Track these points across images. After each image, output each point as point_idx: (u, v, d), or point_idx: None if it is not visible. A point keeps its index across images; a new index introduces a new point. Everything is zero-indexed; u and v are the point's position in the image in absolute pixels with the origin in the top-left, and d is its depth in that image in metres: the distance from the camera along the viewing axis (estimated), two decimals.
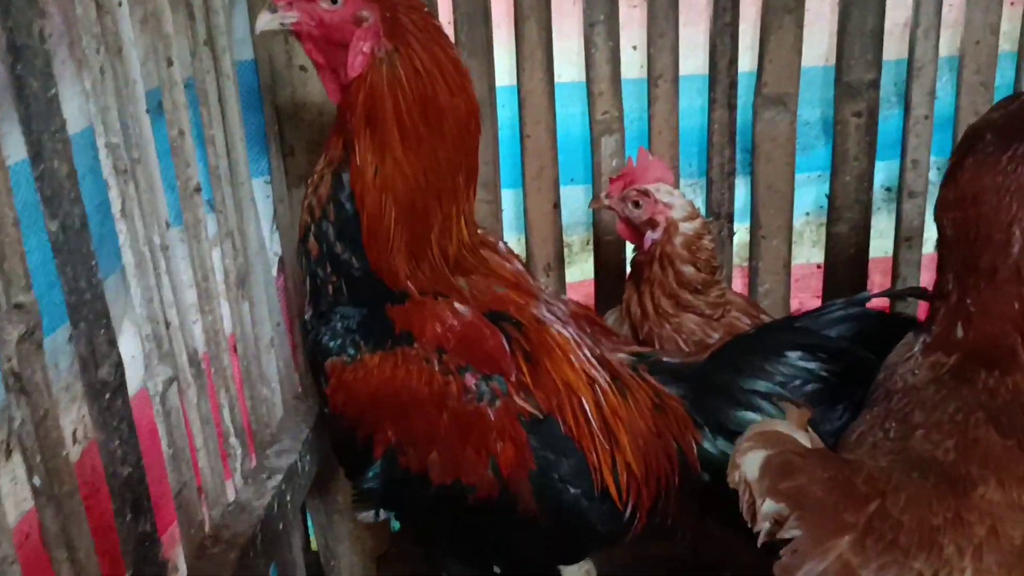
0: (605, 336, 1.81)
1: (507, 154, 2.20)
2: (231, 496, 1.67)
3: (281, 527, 1.72)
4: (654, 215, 1.86)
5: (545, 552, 1.71)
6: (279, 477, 1.74)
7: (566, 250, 2.31)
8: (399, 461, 1.57)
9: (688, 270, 1.87)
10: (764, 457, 1.16)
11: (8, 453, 1.25)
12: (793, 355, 1.60)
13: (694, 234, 1.85)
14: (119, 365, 1.27)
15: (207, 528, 1.56)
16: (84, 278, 1.20)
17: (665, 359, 1.76)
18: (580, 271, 2.34)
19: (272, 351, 1.91)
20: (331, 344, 1.55)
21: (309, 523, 2.32)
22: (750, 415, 1.61)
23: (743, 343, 1.69)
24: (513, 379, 1.61)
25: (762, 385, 1.60)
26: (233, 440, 1.68)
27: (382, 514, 1.65)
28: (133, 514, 1.31)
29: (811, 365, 1.61)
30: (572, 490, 1.63)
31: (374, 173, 1.53)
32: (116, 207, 1.32)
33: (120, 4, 1.32)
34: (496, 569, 1.72)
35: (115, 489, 1.27)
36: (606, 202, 1.92)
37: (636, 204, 1.86)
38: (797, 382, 1.61)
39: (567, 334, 1.69)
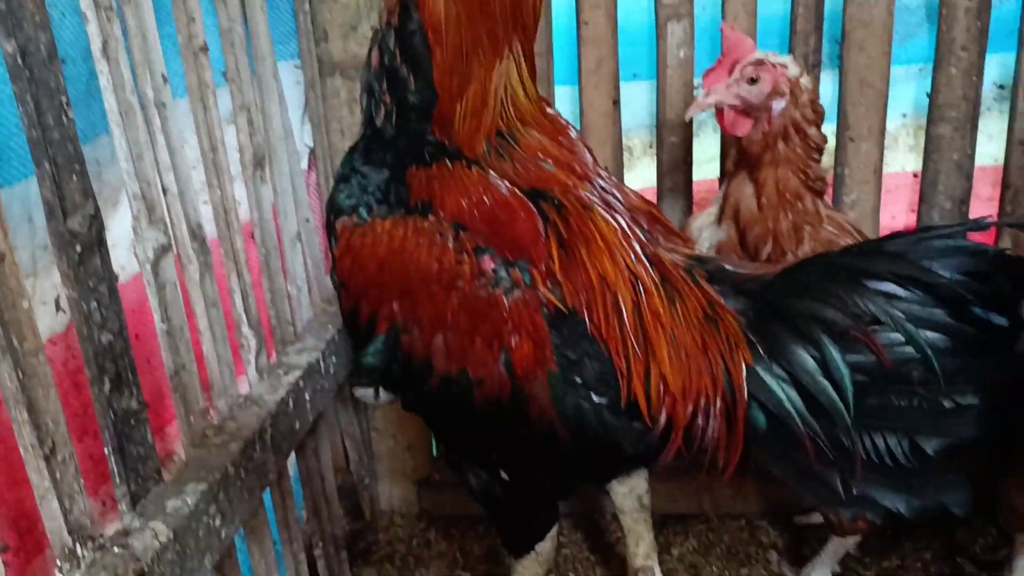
0: (666, 235, 1.60)
1: (562, 44, 2.00)
2: (244, 391, 1.55)
3: (297, 426, 1.59)
4: (776, 82, 1.66)
5: (561, 466, 1.53)
6: (297, 373, 1.61)
7: (626, 154, 2.10)
8: (402, 341, 1.42)
9: (814, 132, 1.71)
10: None
11: None
12: (878, 285, 1.35)
13: (812, 87, 1.71)
14: (95, 218, 1.14)
15: (213, 419, 1.44)
16: (51, 113, 1.07)
17: (729, 267, 1.54)
18: (640, 178, 2.13)
19: (299, 247, 1.78)
20: (345, 203, 1.41)
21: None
22: (806, 356, 1.39)
23: (822, 262, 1.45)
24: (541, 267, 1.43)
25: (831, 314, 1.37)
26: (246, 330, 1.55)
27: (382, 395, 1.51)
28: (114, 386, 1.18)
29: (896, 311, 1.34)
30: (596, 398, 1.45)
31: None
32: (96, 45, 1.18)
33: None
34: (504, 475, 1.56)
35: (90, 356, 1.15)
36: (711, 100, 1.69)
37: (753, 80, 1.66)
38: (873, 319, 1.36)
39: (615, 224, 1.50)
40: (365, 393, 1.49)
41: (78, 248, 1.12)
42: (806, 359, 1.40)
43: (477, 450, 1.57)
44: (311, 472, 1.80)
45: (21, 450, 1.06)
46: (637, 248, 1.51)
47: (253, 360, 1.57)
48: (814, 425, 1.42)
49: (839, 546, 1.89)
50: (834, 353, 1.38)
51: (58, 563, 1.10)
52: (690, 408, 1.46)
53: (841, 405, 1.39)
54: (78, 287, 1.13)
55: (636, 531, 1.88)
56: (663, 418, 1.45)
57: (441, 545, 2.16)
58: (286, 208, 1.72)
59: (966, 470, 1.45)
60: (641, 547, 1.89)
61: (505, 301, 1.41)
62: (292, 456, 1.74)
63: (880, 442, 1.40)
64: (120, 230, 1.39)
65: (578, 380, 1.44)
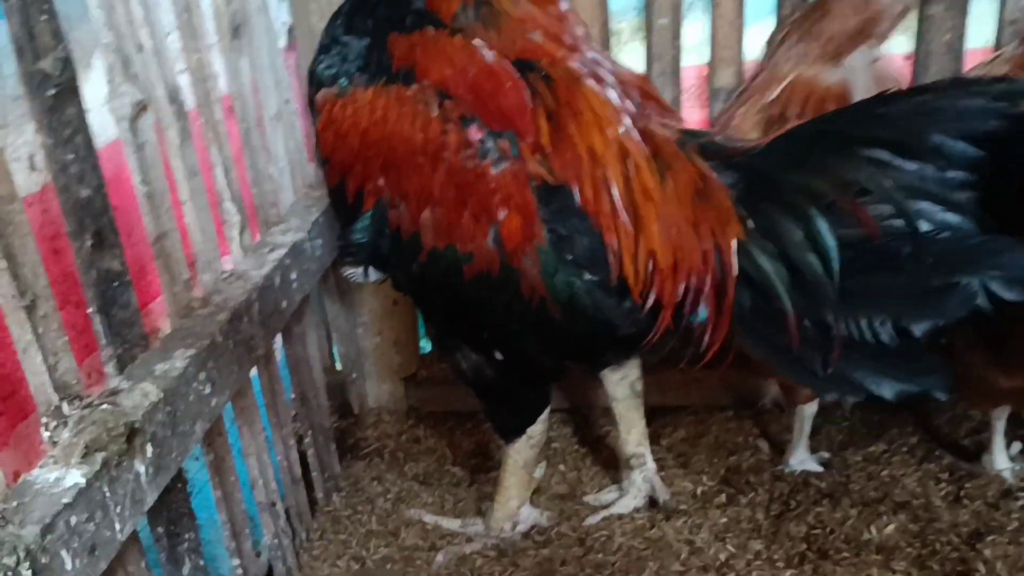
0: (657, 110, 1.55)
1: None
2: (228, 267, 1.51)
3: (284, 304, 1.55)
4: None
5: (553, 345, 1.51)
6: (282, 251, 1.57)
7: (614, 39, 2.05)
8: (390, 217, 1.40)
9: None
10: None
11: None
12: (868, 152, 1.28)
13: None
14: (67, 63, 1.08)
15: (198, 293, 1.40)
16: None
17: (721, 140, 1.51)
18: (628, 64, 2.07)
19: (279, 127, 1.72)
20: (325, 73, 1.36)
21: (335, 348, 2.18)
22: (795, 230, 1.35)
23: (811, 130, 1.39)
24: (529, 139, 1.39)
25: (819, 185, 1.31)
26: (229, 205, 1.50)
27: (372, 273, 1.48)
28: (95, 244, 1.14)
29: (886, 180, 1.27)
30: (587, 276, 1.42)
31: None
32: None
33: None
34: (496, 355, 1.54)
35: (68, 209, 1.10)
36: None
37: None
38: (863, 190, 1.30)
39: (605, 97, 1.45)
40: (354, 272, 1.47)
41: (51, 91, 1.06)
42: (794, 233, 1.36)
43: (468, 329, 1.54)
44: (298, 360, 1.77)
45: (0, 302, 1.01)
46: (627, 122, 1.46)
47: (237, 237, 1.53)
48: (800, 303, 1.39)
49: (802, 420, 1.90)
50: (822, 226, 1.34)
51: (43, 421, 1.06)
52: (680, 286, 1.44)
53: (827, 281, 1.36)
54: (53, 134, 1.07)
55: (628, 418, 1.88)
56: (652, 296, 1.43)
57: (430, 441, 2.15)
58: (265, 83, 1.65)
59: (946, 351, 1.43)
60: (633, 434, 1.88)
61: (492, 173, 1.37)
62: (279, 343, 1.71)
63: (864, 322, 1.35)
64: (92, 94, 1.32)
65: (569, 257, 1.41)
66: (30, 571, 0.90)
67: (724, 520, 1.79)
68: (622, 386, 1.85)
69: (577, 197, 1.39)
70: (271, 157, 1.69)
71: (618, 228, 1.40)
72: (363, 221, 1.41)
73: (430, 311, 1.59)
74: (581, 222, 1.40)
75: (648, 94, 1.57)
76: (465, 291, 1.42)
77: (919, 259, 1.31)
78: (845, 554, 1.66)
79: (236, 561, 1.48)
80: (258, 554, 1.57)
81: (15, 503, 0.96)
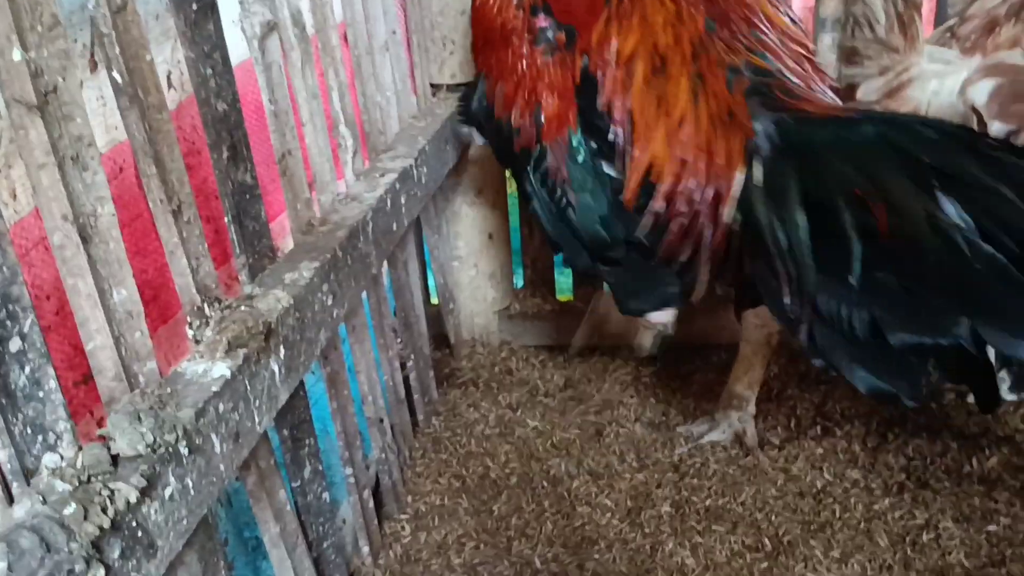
0: (748, 31, 1.52)
1: None
2: (342, 189, 1.56)
3: (394, 227, 1.60)
4: None
5: (573, 238, 1.59)
6: (392, 176, 1.61)
7: None
8: (484, 87, 1.67)
9: None
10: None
11: (94, 65, 1.17)
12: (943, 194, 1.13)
13: None
14: None
15: (317, 212, 1.46)
16: None
17: (791, 87, 1.42)
18: None
19: (387, 57, 1.76)
20: None
21: (430, 279, 2.23)
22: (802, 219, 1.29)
23: (885, 139, 1.22)
24: (588, 35, 1.51)
25: (863, 186, 1.20)
26: (343, 129, 1.55)
27: (477, 137, 1.80)
28: (231, 157, 1.19)
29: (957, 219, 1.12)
30: (605, 169, 1.51)
31: None
32: None
33: None
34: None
35: (208, 121, 1.16)
36: None
37: None
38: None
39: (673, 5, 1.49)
40: (469, 131, 1.83)
41: (194, 6, 1.11)
42: (800, 224, 1.27)
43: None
44: (402, 285, 1.82)
45: (150, 205, 1.08)
46: (684, 34, 1.46)
47: (350, 160, 1.58)
48: (788, 265, 1.31)
49: None
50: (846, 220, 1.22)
51: (188, 320, 1.13)
52: (676, 206, 1.43)
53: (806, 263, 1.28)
54: (195, 48, 1.12)
55: (751, 362, 1.85)
56: (653, 206, 1.44)
57: (522, 372, 2.19)
58: (375, 13, 1.69)
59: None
60: (748, 377, 1.85)
61: (541, 59, 1.55)
62: (385, 268, 1.77)
63: (844, 308, 1.24)
64: (225, 14, 1.37)
65: (593, 146, 1.51)
66: (187, 449, 0.97)
67: (820, 451, 1.81)
68: (759, 333, 1.83)
69: (601, 95, 1.49)
70: (379, 85, 1.73)
71: (625, 132, 1.47)
72: (477, 90, 1.69)
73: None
74: (601, 119, 1.49)
75: (750, 20, 1.55)
76: (516, 162, 1.62)
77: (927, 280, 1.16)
78: (945, 483, 1.66)
79: (349, 470, 1.55)
80: (367, 467, 1.64)
81: (169, 390, 1.02)
